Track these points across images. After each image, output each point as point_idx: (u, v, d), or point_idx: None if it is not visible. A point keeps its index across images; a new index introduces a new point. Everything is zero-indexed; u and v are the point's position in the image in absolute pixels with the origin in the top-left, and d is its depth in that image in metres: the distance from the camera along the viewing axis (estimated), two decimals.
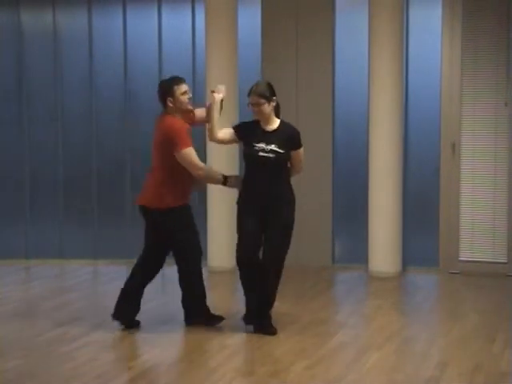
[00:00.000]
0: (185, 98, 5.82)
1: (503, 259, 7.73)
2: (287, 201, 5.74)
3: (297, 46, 8.21)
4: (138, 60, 8.62)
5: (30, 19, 8.80)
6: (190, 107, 5.91)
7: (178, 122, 5.80)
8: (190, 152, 5.72)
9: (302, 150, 5.78)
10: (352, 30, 8.21)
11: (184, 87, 5.82)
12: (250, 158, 5.72)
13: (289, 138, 5.71)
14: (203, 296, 5.98)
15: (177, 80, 5.87)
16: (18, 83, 8.75)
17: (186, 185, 5.84)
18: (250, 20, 8.31)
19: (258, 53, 8.30)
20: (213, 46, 7.90)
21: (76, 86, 8.72)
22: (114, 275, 8.03)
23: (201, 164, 5.77)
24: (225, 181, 5.80)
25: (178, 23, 8.56)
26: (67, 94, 8.71)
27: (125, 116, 8.62)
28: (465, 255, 7.84)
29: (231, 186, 5.86)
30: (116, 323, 5.99)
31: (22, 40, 8.72)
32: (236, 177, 5.94)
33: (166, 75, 8.39)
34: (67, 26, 8.75)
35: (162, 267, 6.05)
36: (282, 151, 5.66)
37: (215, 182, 5.92)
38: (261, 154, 5.65)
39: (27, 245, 8.74)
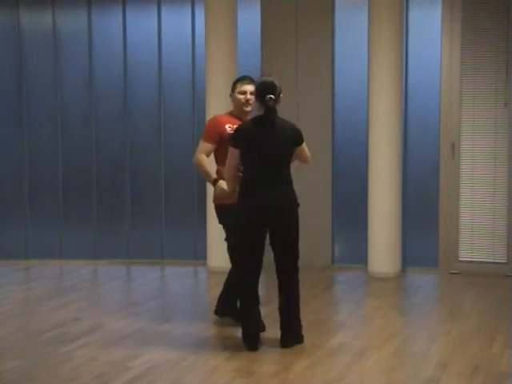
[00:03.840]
0: (240, 97, 5.84)
1: (503, 259, 7.73)
2: None
3: (296, 46, 8.21)
4: (138, 60, 8.61)
5: (30, 19, 8.80)
6: (246, 109, 5.85)
7: (217, 119, 5.92)
8: (201, 144, 5.86)
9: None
10: (352, 30, 8.22)
11: (245, 87, 5.84)
12: None
13: None
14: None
15: (242, 78, 5.97)
16: (17, 83, 8.75)
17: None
18: (250, 20, 8.31)
19: (258, 52, 8.30)
20: (213, 45, 7.90)
21: (76, 85, 8.72)
22: (114, 275, 8.04)
23: (198, 156, 5.83)
24: (214, 182, 5.74)
25: (177, 23, 8.56)
26: (67, 93, 8.71)
27: (124, 115, 8.63)
28: (464, 255, 7.85)
29: (216, 190, 5.73)
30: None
31: (22, 40, 8.72)
32: (222, 189, 5.65)
33: (166, 75, 8.53)
34: (67, 26, 8.74)
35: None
36: None
37: (205, 175, 5.88)
38: None
39: (27, 245, 8.74)
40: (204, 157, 5.84)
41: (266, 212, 5.35)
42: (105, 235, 8.71)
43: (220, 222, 6.01)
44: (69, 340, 5.64)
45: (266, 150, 5.31)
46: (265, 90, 5.32)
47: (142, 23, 8.63)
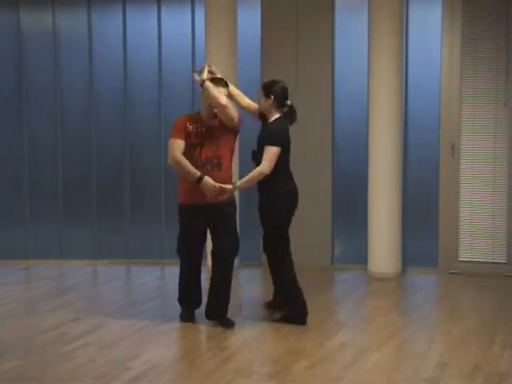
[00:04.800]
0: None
1: (502, 259, 7.74)
2: None
3: (297, 45, 8.21)
4: (138, 60, 8.61)
5: (30, 19, 8.80)
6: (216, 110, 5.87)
7: (180, 117, 6.00)
8: (172, 142, 5.87)
9: None
10: (352, 29, 8.22)
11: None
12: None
13: None
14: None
15: (215, 80, 6.00)
16: (18, 83, 8.75)
17: (190, 184, 5.86)
18: (250, 20, 8.31)
19: (258, 53, 8.30)
20: (213, 46, 7.90)
21: (76, 86, 8.72)
22: (114, 275, 8.04)
23: (174, 154, 5.81)
24: (199, 180, 5.76)
25: (177, 23, 8.56)
26: (67, 94, 8.71)
27: (124, 116, 8.63)
28: (464, 255, 7.85)
29: (204, 188, 5.78)
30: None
31: (22, 40, 8.72)
32: (212, 185, 5.77)
33: (166, 75, 8.53)
34: (67, 26, 8.74)
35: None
36: None
37: (186, 174, 5.83)
38: None
39: (27, 245, 8.74)
40: (181, 155, 5.81)
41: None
42: (105, 235, 8.71)
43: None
44: (69, 340, 5.64)
45: (290, 144, 6.05)
46: (285, 97, 5.99)
47: (142, 23, 8.63)
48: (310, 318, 6.06)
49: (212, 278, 6.05)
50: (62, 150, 8.72)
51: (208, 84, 5.83)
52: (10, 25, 8.75)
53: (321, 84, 8.19)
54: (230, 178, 5.94)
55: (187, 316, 6.13)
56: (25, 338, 5.76)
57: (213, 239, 6.03)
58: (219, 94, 5.80)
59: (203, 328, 5.97)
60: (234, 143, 5.99)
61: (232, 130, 5.93)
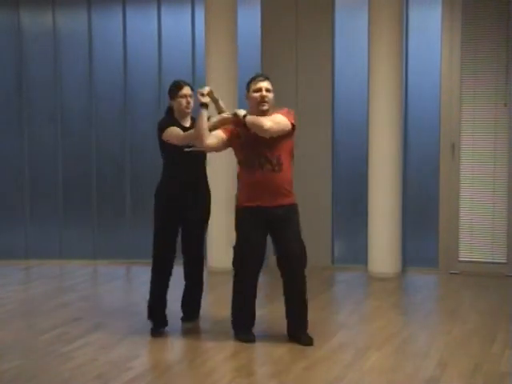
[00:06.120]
0: (255, 95, 5.38)
1: (502, 259, 7.74)
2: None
3: (297, 46, 8.21)
4: (138, 60, 8.62)
5: (30, 19, 8.81)
6: (263, 108, 5.37)
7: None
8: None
9: None
10: (352, 30, 8.22)
11: (260, 84, 5.38)
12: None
13: None
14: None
15: (256, 76, 5.55)
16: (18, 83, 8.75)
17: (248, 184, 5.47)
18: (250, 20, 8.32)
19: (258, 53, 8.30)
20: (213, 46, 7.91)
21: (76, 86, 8.73)
22: (114, 275, 8.05)
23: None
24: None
25: (177, 23, 8.57)
26: (67, 94, 8.72)
27: (124, 116, 8.63)
28: (464, 255, 7.85)
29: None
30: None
31: (22, 40, 8.73)
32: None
33: (166, 75, 8.53)
34: (67, 26, 8.75)
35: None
36: None
37: (198, 131, 5.72)
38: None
39: (27, 245, 8.75)
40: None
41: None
42: (105, 235, 8.71)
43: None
44: (69, 340, 5.65)
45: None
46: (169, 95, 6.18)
47: (142, 23, 8.64)
48: (311, 318, 6.06)
49: (285, 293, 5.57)
50: (62, 149, 8.72)
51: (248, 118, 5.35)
52: (10, 24, 8.75)
53: (321, 84, 8.19)
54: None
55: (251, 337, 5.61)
56: (25, 338, 5.76)
57: (277, 247, 5.51)
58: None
59: (203, 328, 5.97)
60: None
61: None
